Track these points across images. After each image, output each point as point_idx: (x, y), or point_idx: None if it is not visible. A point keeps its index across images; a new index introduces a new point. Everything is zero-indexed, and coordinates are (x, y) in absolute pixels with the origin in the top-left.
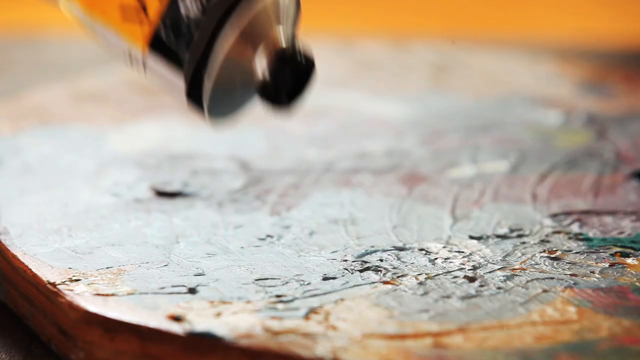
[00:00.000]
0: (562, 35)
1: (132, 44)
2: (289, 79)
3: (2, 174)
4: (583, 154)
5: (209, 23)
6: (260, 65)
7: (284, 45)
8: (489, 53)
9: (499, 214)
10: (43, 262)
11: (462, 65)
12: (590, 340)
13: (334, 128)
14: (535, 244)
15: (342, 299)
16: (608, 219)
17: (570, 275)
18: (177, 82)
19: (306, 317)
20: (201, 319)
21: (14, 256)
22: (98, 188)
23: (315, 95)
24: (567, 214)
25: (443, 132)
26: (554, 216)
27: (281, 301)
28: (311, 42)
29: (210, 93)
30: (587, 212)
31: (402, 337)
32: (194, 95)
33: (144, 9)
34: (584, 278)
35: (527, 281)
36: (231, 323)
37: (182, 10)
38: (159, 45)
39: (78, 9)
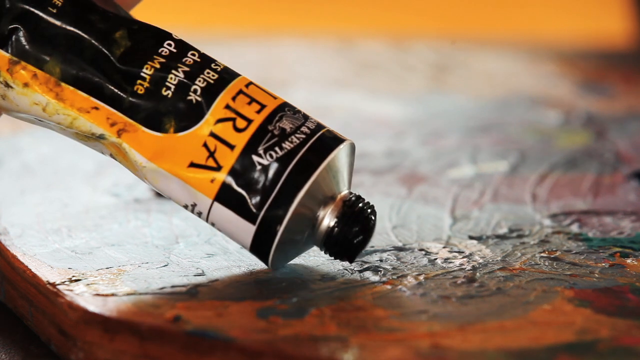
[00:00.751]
0: (562, 35)
1: (198, 192)
2: (356, 237)
3: (2, 174)
4: (583, 154)
5: (280, 177)
6: (328, 220)
7: (353, 200)
8: (489, 53)
9: (498, 214)
10: (43, 262)
11: (462, 65)
12: (590, 340)
13: (334, 128)
14: (535, 244)
15: (341, 299)
16: (608, 219)
17: (570, 275)
18: (242, 232)
19: (306, 317)
20: (201, 319)
21: (14, 256)
22: (98, 188)
23: (315, 95)
24: (567, 214)
25: (443, 132)
26: (553, 216)
27: (281, 301)
28: (311, 42)
29: (276, 246)
30: (586, 212)
31: (402, 337)
32: (260, 246)
33: (215, 160)
34: (584, 278)
35: (527, 281)
36: (231, 323)
37: (253, 165)
38: (226, 196)
39: (142, 157)
